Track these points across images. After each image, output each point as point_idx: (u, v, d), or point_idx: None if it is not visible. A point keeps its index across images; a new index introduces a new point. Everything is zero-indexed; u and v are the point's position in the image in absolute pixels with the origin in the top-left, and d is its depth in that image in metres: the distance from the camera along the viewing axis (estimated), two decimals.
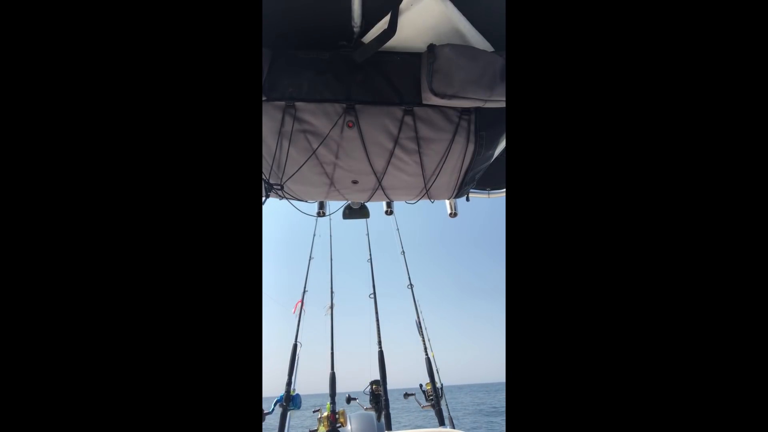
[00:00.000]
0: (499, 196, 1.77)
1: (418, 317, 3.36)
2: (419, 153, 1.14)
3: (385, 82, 1.07)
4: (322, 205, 1.72)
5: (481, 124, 1.12)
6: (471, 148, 1.14)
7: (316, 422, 2.67)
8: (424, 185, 1.25)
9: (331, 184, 1.22)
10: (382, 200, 1.41)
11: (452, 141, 1.13)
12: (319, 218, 1.86)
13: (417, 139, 1.11)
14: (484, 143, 1.14)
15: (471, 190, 1.49)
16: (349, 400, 2.83)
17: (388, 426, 2.65)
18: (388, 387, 2.82)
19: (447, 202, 1.73)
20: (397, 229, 3.82)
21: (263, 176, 1.17)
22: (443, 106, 1.09)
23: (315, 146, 1.10)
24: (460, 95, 1.01)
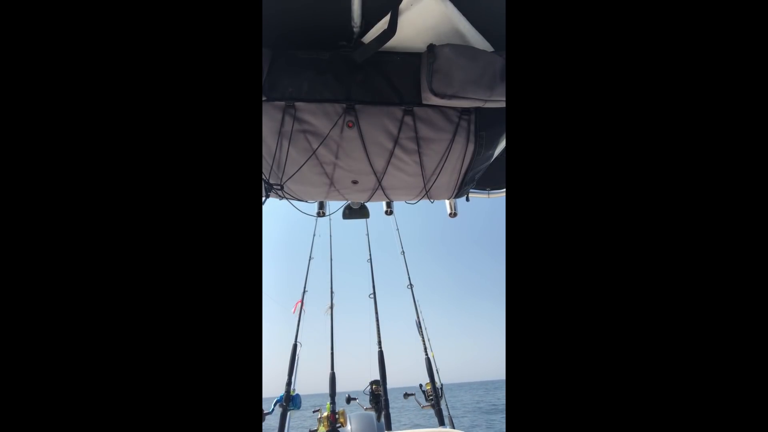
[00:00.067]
0: (499, 196, 1.77)
1: (418, 317, 3.36)
2: (419, 153, 1.14)
3: (385, 82, 1.07)
4: (322, 205, 1.72)
5: (481, 124, 1.12)
6: (471, 148, 1.14)
7: (316, 422, 2.67)
8: (424, 185, 1.25)
9: (331, 184, 1.22)
10: (382, 200, 1.41)
11: (452, 141, 1.13)
12: (319, 218, 1.86)
13: (417, 139, 1.11)
14: (484, 143, 1.14)
15: (471, 190, 1.49)
16: (349, 400, 2.83)
17: (388, 426, 2.65)
18: (388, 387, 2.82)
19: (447, 202, 1.73)
20: (397, 229, 3.82)
21: (263, 176, 1.17)
22: (443, 106, 1.09)
23: (315, 146, 1.10)
24: (460, 95, 1.01)
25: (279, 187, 1.21)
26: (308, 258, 3.72)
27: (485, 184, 1.71)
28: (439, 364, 3.07)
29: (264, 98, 1.04)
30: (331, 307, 3.59)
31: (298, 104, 1.05)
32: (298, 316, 3.32)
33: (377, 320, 3.31)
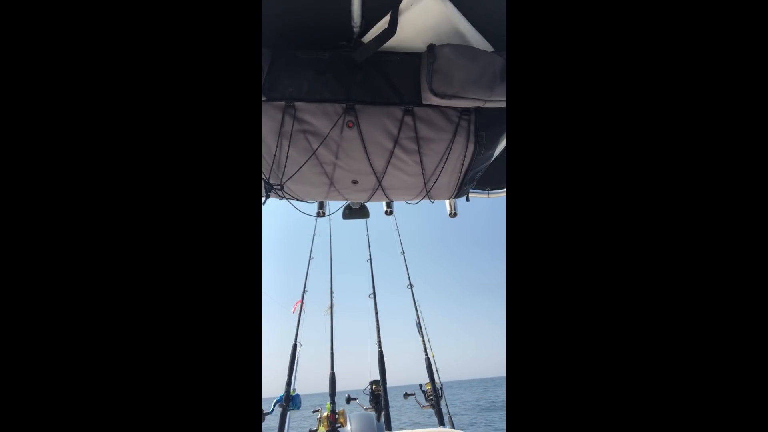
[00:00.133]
0: (499, 196, 1.77)
1: (418, 317, 3.36)
2: (419, 153, 1.14)
3: (385, 82, 1.07)
4: (322, 205, 1.72)
5: (481, 124, 1.12)
6: (471, 148, 1.14)
7: (316, 422, 2.67)
8: (424, 185, 1.25)
9: (331, 184, 1.22)
10: (382, 200, 1.41)
11: (452, 141, 1.13)
12: (319, 218, 1.86)
13: (417, 139, 1.11)
14: (484, 143, 1.14)
15: (471, 190, 1.49)
16: (348, 400, 2.83)
17: (388, 426, 2.66)
18: (388, 386, 2.82)
19: (447, 202, 1.73)
20: (397, 229, 3.82)
21: (263, 176, 1.17)
22: (443, 106, 1.09)
23: (315, 146, 1.10)
24: (460, 95, 1.01)
25: (279, 187, 1.21)
26: (308, 258, 3.73)
27: (485, 184, 1.71)
28: (438, 362, 3.07)
29: (264, 98, 1.04)
30: (331, 307, 3.59)
31: (298, 104, 1.05)
32: (298, 316, 3.32)
33: (377, 320, 3.31)
